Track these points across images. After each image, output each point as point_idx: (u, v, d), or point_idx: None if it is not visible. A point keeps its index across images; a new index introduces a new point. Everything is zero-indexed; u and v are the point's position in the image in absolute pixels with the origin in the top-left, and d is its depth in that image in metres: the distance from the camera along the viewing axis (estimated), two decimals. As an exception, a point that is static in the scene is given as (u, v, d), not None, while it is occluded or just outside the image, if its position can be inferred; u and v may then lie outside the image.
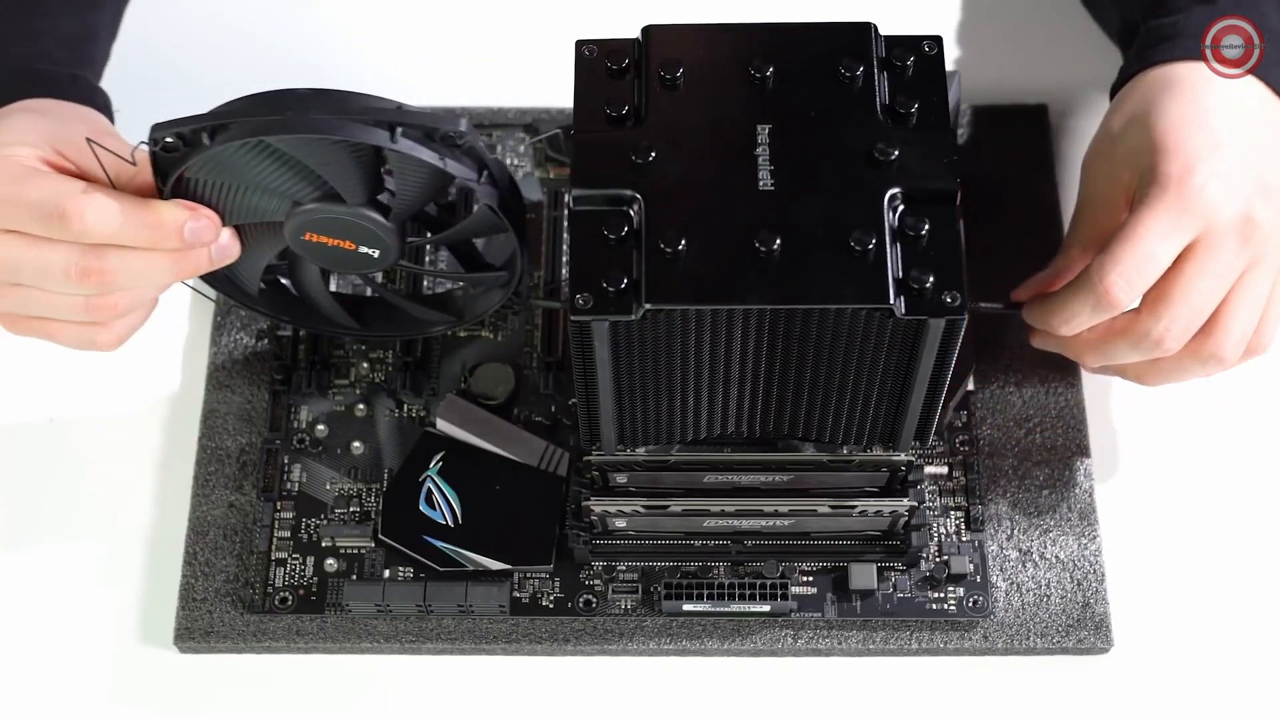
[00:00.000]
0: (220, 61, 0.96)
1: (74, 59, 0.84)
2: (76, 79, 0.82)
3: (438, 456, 0.83)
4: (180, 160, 0.71)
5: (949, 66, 0.72)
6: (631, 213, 0.68)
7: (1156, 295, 0.74)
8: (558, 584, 0.81)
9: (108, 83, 0.86)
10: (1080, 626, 0.80)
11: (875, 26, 0.72)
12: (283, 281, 0.82)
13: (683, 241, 0.66)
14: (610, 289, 0.66)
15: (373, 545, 0.82)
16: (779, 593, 0.79)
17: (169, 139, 0.71)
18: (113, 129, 0.78)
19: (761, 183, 0.68)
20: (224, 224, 0.74)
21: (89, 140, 0.73)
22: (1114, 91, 0.81)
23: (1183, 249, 0.74)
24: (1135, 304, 0.75)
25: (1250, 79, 0.77)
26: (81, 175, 0.74)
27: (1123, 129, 0.78)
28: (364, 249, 0.74)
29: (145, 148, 0.72)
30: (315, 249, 0.75)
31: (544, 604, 0.81)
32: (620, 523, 0.79)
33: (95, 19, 0.86)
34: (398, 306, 0.82)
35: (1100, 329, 0.77)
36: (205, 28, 0.97)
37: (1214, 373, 0.77)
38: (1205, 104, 0.76)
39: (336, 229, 0.73)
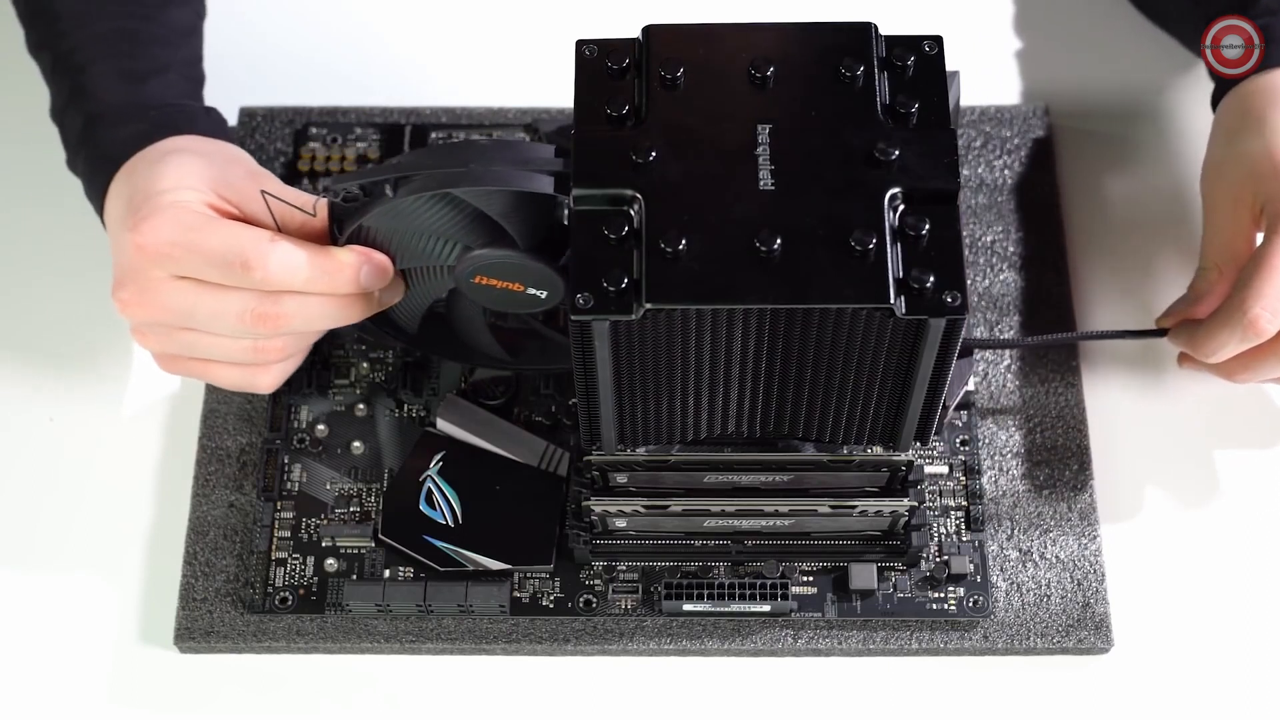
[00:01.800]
0: (220, 63, 0.96)
1: (194, 88, 0.84)
2: (210, 111, 0.82)
3: (438, 456, 0.83)
4: (360, 210, 0.73)
5: (950, 66, 0.72)
6: (632, 212, 0.68)
7: None
8: (558, 584, 0.81)
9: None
10: (1080, 626, 0.80)
11: (876, 26, 0.72)
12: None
13: (683, 241, 0.66)
14: (611, 288, 0.66)
15: (373, 545, 0.82)
16: (779, 593, 0.79)
17: (352, 190, 0.72)
18: (263, 169, 0.79)
19: (762, 182, 0.68)
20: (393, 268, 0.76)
21: (264, 193, 0.74)
22: (1215, 100, 0.81)
23: None
24: None
25: None
26: (243, 218, 0.75)
27: (1233, 145, 0.79)
28: (532, 290, 0.75)
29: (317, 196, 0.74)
30: (483, 290, 0.76)
31: (544, 604, 0.81)
32: (620, 523, 0.79)
33: (197, 43, 0.87)
34: (553, 340, 0.83)
35: (1249, 350, 0.78)
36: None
37: None
38: None
39: (507, 272, 0.75)
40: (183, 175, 0.75)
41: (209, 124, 0.81)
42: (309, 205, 0.75)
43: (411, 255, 0.76)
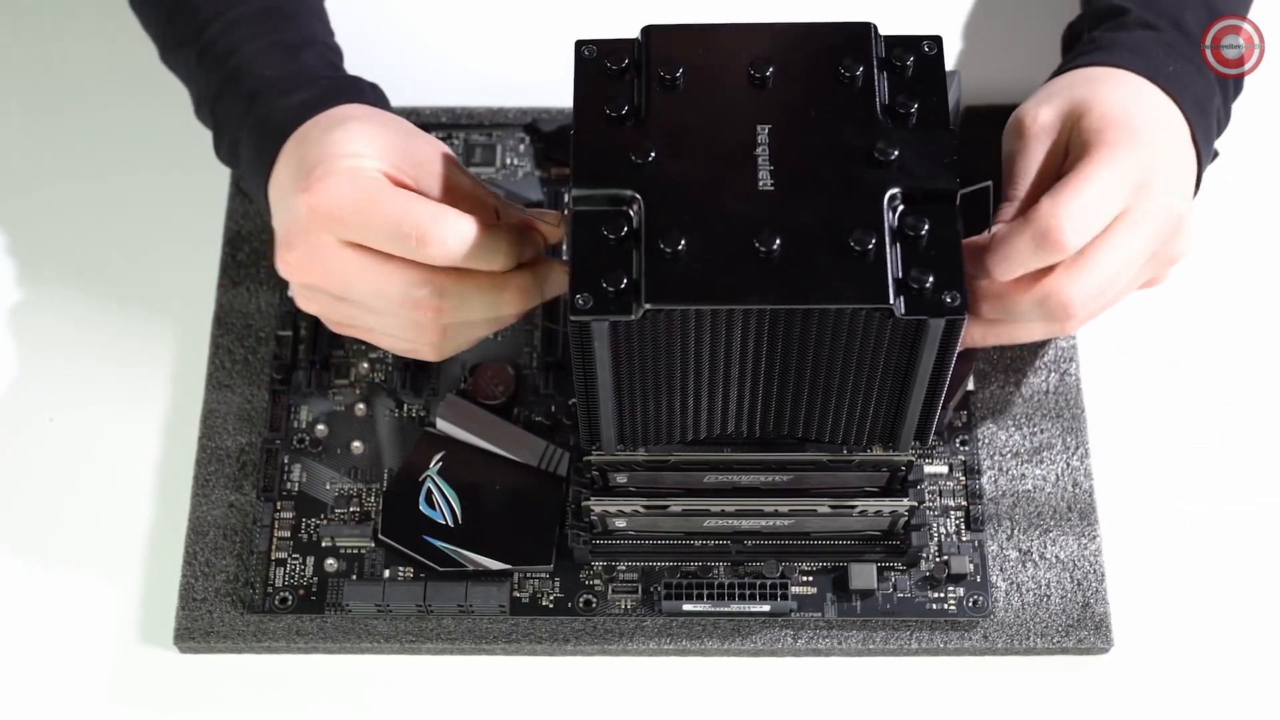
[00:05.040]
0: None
1: (339, 60, 0.83)
2: (374, 86, 0.81)
3: (438, 456, 0.83)
4: None
5: (949, 66, 0.71)
6: (631, 212, 0.68)
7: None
8: (558, 584, 0.81)
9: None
10: (1080, 626, 0.80)
11: (875, 26, 0.72)
12: None
13: (683, 241, 0.66)
14: (610, 289, 0.66)
15: (373, 545, 0.82)
16: (779, 593, 0.79)
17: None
18: (444, 144, 0.78)
19: (761, 183, 0.68)
20: None
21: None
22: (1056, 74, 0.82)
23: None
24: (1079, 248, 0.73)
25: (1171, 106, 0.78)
26: (419, 191, 0.74)
27: (1059, 94, 0.78)
28: None
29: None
30: None
31: (544, 604, 0.81)
32: (620, 523, 0.79)
33: (327, 17, 0.86)
34: None
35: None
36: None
37: (1053, 320, 0.75)
38: (1152, 100, 0.77)
39: None
40: (361, 142, 0.74)
41: (376, 97, 0.80)
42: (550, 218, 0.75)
43: None
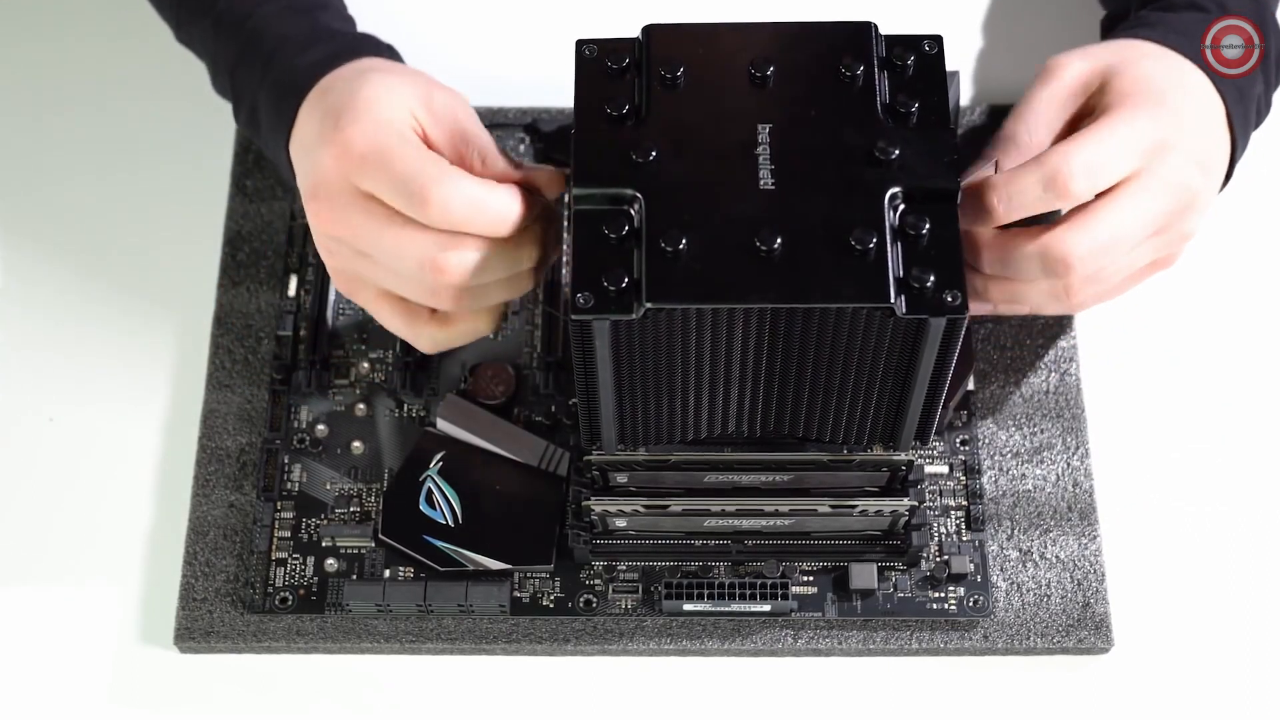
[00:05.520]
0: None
1: (353, 26, 0.83)
2: (392, 48, 0.81)
3: (438, 456, 0.83)
4: None
5: (950, 66, 0.72)
6: (632, 212, 0.68)
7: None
8: (558, 584, 0.81)
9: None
10: (1080, 626, 0.80)
11: (875, 26, 0.72)
12: None
13: (684, 240, 0.67)
14: (611, 288, 0.66)
15: (373, 545, 0.82)
16: (779, 592, 0.79)
17: None
18: (463, 96, 0.77)
19: (762, 182, 0.68)
20: None
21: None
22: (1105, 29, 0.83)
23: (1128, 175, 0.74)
24: (1085, 199, 0.74)
25: (1210, 88, 0.79)
26: (435, 141, 0.74)
27: (1105, 59, 0.78)
28: None
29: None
30: None
31: (544, 604, 0.81)
32: (620, 522, 0.79)
33: None
34: None
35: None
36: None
37: (1053, 275, 0.75)
38: (1189, 78, 0.78)
39: None
40: (385, 90, 0.74)
41: (392, 54, 0.80)
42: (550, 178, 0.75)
43: None
